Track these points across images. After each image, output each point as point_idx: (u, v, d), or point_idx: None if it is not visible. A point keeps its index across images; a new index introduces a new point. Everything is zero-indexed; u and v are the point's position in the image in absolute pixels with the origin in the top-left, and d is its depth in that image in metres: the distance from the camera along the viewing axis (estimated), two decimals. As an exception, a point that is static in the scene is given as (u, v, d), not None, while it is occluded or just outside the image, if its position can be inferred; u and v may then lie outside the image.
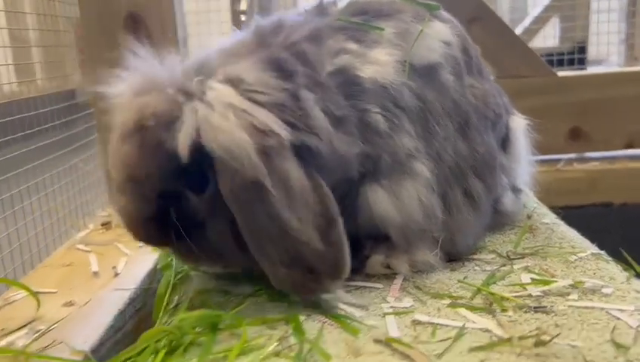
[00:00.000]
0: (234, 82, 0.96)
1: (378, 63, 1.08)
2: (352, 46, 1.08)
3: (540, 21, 3.50)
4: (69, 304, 1.19)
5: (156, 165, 0.96)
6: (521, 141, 1.34)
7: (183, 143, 0.92)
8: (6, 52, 1.64)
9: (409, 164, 1.06)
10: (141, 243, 1.13)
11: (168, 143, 0.94)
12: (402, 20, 1.14)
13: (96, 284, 1.30)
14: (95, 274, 1.36)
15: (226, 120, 0.92)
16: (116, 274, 1.33)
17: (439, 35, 1.15)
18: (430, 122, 1.09)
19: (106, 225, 1.70)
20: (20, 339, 1.03)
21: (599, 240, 1.24)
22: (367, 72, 1.06)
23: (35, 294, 1.15)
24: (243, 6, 2.15)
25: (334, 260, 0.95)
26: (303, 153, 0.96)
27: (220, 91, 0.95)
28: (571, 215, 1.52)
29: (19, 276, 1.41)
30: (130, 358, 0.86)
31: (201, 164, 0.95)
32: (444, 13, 1.23)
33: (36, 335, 1.05)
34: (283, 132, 0.94)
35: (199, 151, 0.93)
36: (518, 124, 1.36)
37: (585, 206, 2.17)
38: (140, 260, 1.41)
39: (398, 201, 1.05)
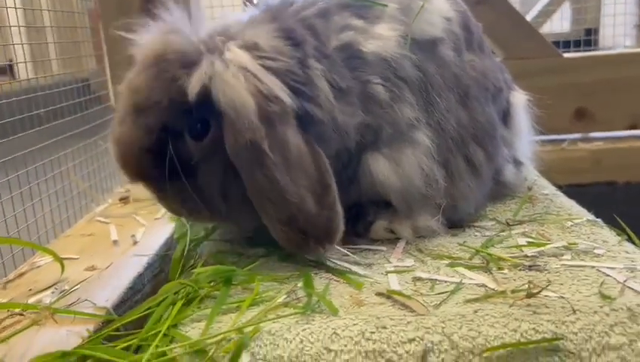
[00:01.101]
0: (250, 47, 1.03)
1: (381, 38, 1.13)
2: (357, 22, 1.14)
3: (553, 4, 3.52)
4: (91, 268, 1.26)
5: (167, 97, 1.01)
6: (522, 116, 1.39)
7: (194, 85, 0.98)
8: (22, 38, 1.71)
9: (410, 133, 1.12)
10: (130, 180, 1.11)
11: (182, 81, 0.99)
12: None
13: (116, 251, 1.37)
14: (115, 242, 1.43)
15: (237, 80, 0.98)
16: (135, 243, 1.41)
17: (440, 11, 1.20)
18: (431, 93, 1.14)
19: (124, 199, 1.77)
20: (46, 298, 1.10)
21: (603, 218, 1.27)
22: (369, 46, 1.12)
23: (60, 258, 1.22)
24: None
25: (327, 225, 1.02)
26: (304, 121, 1.03)
27: (237, 53, 1.01)
28: (575, 193, 1.56)
29: (42, 244, 1.48)
30: (150, 308, 0.93)
31: (205, 113, 1.01)
32: (446, -10, 1.27)
33: (61, 294, 1.12)
34: (287, 99, 1.00)
35: (207, 100, 0.99)
36: (519, 99, 1.41)
37: (589, 184, 2.21)
38: (157, 230, 1.48)
39: (398, 168, 1.11)
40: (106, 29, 1.93)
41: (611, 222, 1.24)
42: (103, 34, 1.94)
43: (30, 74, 1.75)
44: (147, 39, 1.08)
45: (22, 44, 1.62)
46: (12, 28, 1.60)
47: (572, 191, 1.56)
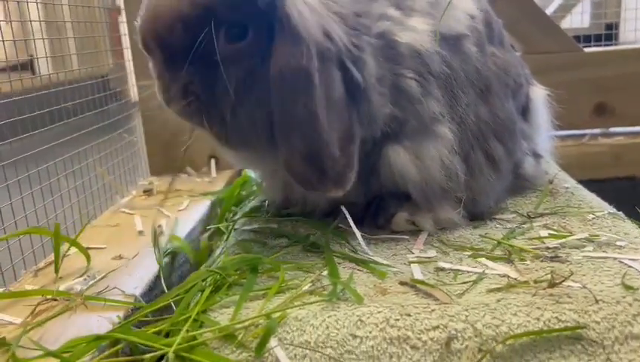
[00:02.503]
0: None
1: (415, 31, 1.14)
2: (394, 12, 1.15)
3: (571, 2, 3.49)
4: (118, 257, 1.29)
5: None
6: (541, 110, 1.40)
7: None
8: (42, 35, 1.73)
9: (433, 126, 1.13)
10: (147, 47, 1.04)
11: None
12: None
13: (141, 241, 1.40)
14: (140, 232, 1.46)
15: (309, 7, 1.00)
16: (161, 233, 1.44)
17: (465, 9, 1.21)
18: (455, 88, 1.15)
19: (148, 192, 1.80)
20: (77, 285, 1.13)
21: (623, 212, 1.27)
22: (404, 38, 1.13)
23: (85, 249, 1.25)
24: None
25: (343, 170, 1.03)
26: (347, 78, 1.04)
27: None
28: (596, 188, 1.56)
29: (69, 236, 1.52)
30: (178, 295, 0.96)
31: (251, 17, 1.00)
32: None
33: (92, 282, 1.15)
34: (343, 43, 1.02)
35: (259, 8, 0.98)
36: (539, 94, 1.41)
37: (609, 179, 2.20)
38: (182, 221, 1.51)
39: (418, 161, 1.12)
40: (130, 22, 1.95)
41: (632, 217, 1.23)
42: (128, 28, 1.97)
43: (50, 70, 1.78)
44: None
45: (42, 39, 1.65)
46: (33, 24, 1.63)
47: (592, 186, 1.56)
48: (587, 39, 2.85)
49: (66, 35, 1.88)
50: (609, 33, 2.98)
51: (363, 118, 1.08)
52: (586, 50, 2.31)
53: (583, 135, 2.32)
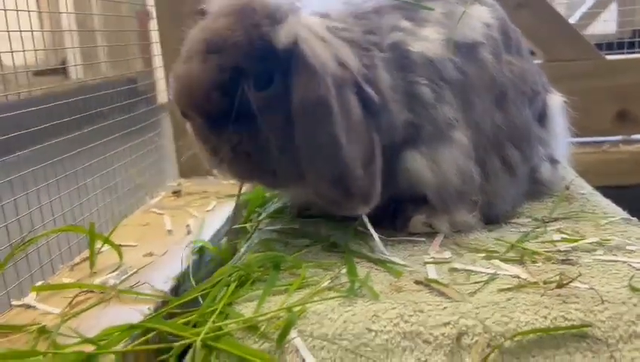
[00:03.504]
0: (323, 15, 1.12)
1: (427, 40, 1.19)
2: (406, 24, 1.20)
3: (599, 6, 3.49)
4: (149, 254, 1.37)
5: (247, 40, 1.05)
6: (558, 117, 1.43)
7: (284, 36, 1.05)
8: (73, 39, 1.81)
9: (448, 132, 1.18)
10: (187, 115, 1.11)
11: (265, 29, 1.06)
12: (448, 2, 1.25)
13: (171, 240, 1.47)
14: (169, 231, 1.53)
15: (321, 41, 1.07)
16: (189, 232, 1.51)
17: (480, 17, 1.26)
18: (470, 95, 1.20)
19: (177, 193, 1.88)
20: (110, 279, 1.21)
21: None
22: (417, 47, 1.18)
23: (117, 246, 1.32)
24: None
25: (368, 189, 1.09)
26: (363, 98, 1.10)
27: (313, 19, 1.10)
28: (615, 195, 1.59)
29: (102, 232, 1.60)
30: (205, 289, 1.02)
31: (272, 65, 1.08)
32: (487, -3, 1.33)
33: (125, 277, 1.23)
34: (355, 69, 1.09)
35: (277, 53, 1.06)
36: (556, 101, 1.45)
37: (630, 186, 2.21)
38: (209, 221, 1.58)
39: (434, 165, 1.17)
40: (161, 29, 2.03)
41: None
42: (160, 37, 2.04)
43: (81, 75, 1.87)
44: None
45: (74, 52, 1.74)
46: (65, 31, 1.72)
47: (612, 192, 1.58)
48: (611, 46, 2.86)
49: (96, 43, 1.97)
50: (633, 41, 2.97)
51: (383, 128, 1.13)
52: (608, 57, 2.32)
53: (604, 142, 2.33)
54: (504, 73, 1.26)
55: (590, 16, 3.43)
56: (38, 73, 1.88)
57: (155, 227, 1.59)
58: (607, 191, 1.57)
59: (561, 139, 1.48)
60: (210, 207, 1.71)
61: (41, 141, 1.49)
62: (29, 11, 1.44)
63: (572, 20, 3.29)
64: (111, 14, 2.02)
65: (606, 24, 3.52)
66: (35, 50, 1.53)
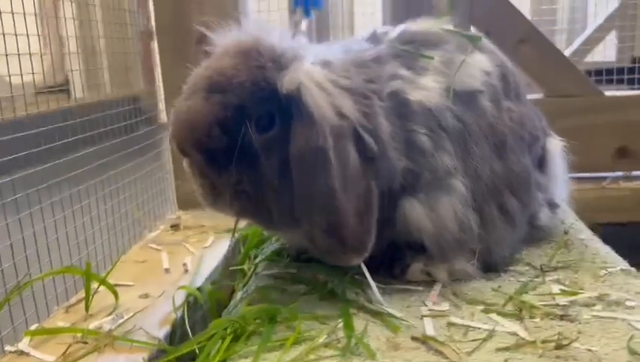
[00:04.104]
0: (324, 64, 1.13)
1: (426, 89, 1.20)
2: (405, 72, 1.21)
3: (598, 35, 3.51)
4: (145, 296, 1.36)
5: (251, 81, 1.07)
6: (558, 161, 1.43)
7: (288, 82, 1.07)
8: (79, 60, 1.82)
9: (447, 180, 1.18)
10: (186, 153, 1.10)
11: (270, 72, 1.08)
12: (447, 50, 1.25)
13: (168, 279, 1.46)
14: (167, 270, 1.52)
15: (322, 90, 1.07)
16: (186, 271, 1.50)
17: (480, 65, 1.26)
18: (469, 143, 1.20)
19: (175, 226, 1.87)
20: (106, 324, 1.19)
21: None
22: (415, 95, 1.19)
23: (114, 288, 1.31)
24: (303, 27, 2.31)
25: (362, 239, 1.09)
26: (361, 147, 1.10)
27: (314, 68, 1.11)
28: (615, 233, 1.58)
29: (100, 271, 1.59)
30: (200, 342, 1.01)
31: (275, 107, 1.09)
32: (486, 44, 1.33)
33: (121, 321, 1.21)
34: (354, 119, 1.09)
35: (279, 97, 1.07)
36: (555, 145, 1.44)
37: (630, 223, 2.21)
38: (206, 259, 1.57)
39: (432, 213, 1.17)
40: (161, 49, 2.03)
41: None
42: (160, 64, 2.04)
43: (85, 93, 1.87)
44: (233, 36, 1.16)
45: (79, 70, 1.74)
46: (70, 48, 1.73)
47: (612, 230, 1.57)
48: (610, 72, 2.85)
49: (99, 63, 1.97)
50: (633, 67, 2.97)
51: (381, 175, 1.13)
52: (607, 93, 2.33)
53: (604, 178, 2.33)
54: (503, 121, 1.26)
55: (589, 43, 3.45)
56: (40, 92, 1.88)
57: (152, 264, 1.57)
58: (608, 228, 1.57)
59: (560, 182, 1.47)
60: (207, 243, 1.70)
61: (37, 163, 1.48)
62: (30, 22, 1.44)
63: (571, 49, 3.31)
64: (116, 36, 2.03)
65: (605, 52, 3.54)
66: (31, 65, 1.53)
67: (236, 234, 1.70)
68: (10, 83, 1.44)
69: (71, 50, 1.74)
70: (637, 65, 2.75)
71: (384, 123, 1.15)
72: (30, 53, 1.44)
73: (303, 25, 2.41)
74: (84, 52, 1.92)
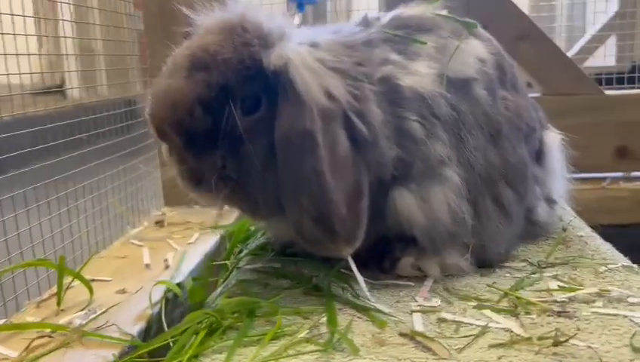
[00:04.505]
0: (312, 45, 1.07)
1: (418, 74, 1.14)
2: (396, 57, 1.15)
3: (597, 40, 3.46)
4: (122, 291, 1.29)
5: (237, 58, 1.01)
6: (556, 155, 1.37)
7: (275, 58, 1.01)
8: (76, 61, 1.78)
9: (439, 170, 1.11)
10: (164, 135, 1.03)
11: (256, 48, 1.02)
12: (441, 36, 1.20)
13: (147, 275, 1.40)
14: (147, 266, 1.46)
15: (311, 70, 1.02)
16: (167, 267, 1.43)
17: (475, 52, 1.20)
18: (462, 131, 1.14)
19: (160, 223, 1.81)
20: (76, 319, 1.13)
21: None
22: (407, 81, 1.13)
23: (88, 282, 1.25)
24: (296, 21, 2.25)
25: (352, 229, 1.02)
26: (351, 132, 1.04)
27: (303, 48, 1.05)
28: (615, 234, 1.52)
29: (78, 265, 1.52)
30: (174, 337, 0.94)
31: (260, 89, 1.03)
32: (482, 31, 1.27)
33: (92, 316, 1.15)
34: (344, 101, 1.03)
35: (266, 76, 1.01)
36: (553, 138, 1.39)
37: (630, 225, 2.14)
38: (190, 255, 1.50)
39: (424, 204, 1.11)
40: (152, 52, 1.98)
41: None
42: (149, 61, 1.99)
43: (81, 94, 1.83)
44: (217, 15, 1.09)
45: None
46: (66, 49, 1.69)
47: (611, 231, 1.51)
48: (611, 80, 2.81)
49: (97, 63, 1.93)
50: (632, 76, 2.93)
51: (372, 164, 1.07)
52: (607, 92, 2.27)
53: (604, 178, 2.27)
54: (498, 109, 1.20)
55: (588, 50, 3.41)
56: (35, 93, 1.84)
57: (132, 260, 1.51)
58: (607, 229, 1.51)
59: (558, 177, 1.41)
60: (192, 239, 1.64)
61: (33, 162, 1.45)
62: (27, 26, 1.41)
63: (570, 53, 3.27)
64: (112, 38, 1.99)
65: (605, 57, 3.50)
66: (29, 68, 1.50)
67: (222, 230, 1.65)
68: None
69: (68, 51, 1.70)
70: (637, 74, 2.71)
71: (375, 109, 1.09)
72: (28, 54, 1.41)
73: (297, 19, 2.36)
74: (81, 53, 1.89)
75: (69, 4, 1.67)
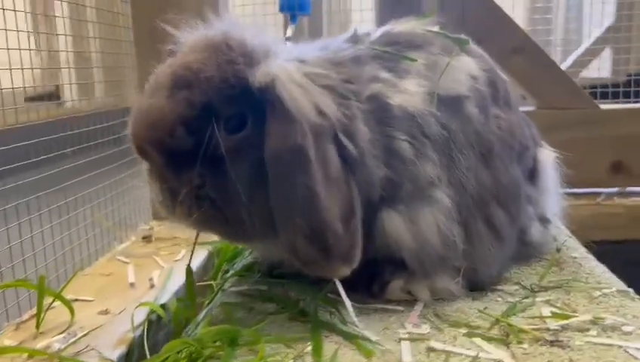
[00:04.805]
0: (300, 61, 1.05)
1: (408, 93, 1.11)
2: (385, 75, 1.13)
3: (591, 53, 3.45)
4: (105, 312, 1.26)
5: (220, 76, 0.98)
6: (550, 173, 1.34)
7: (261, 75, 0.98)
8: (70, 70, 1.76)
9: (429, 191, 1.08)
10: (146, 154, 1.00)
11: (240, 66, 0.99)
12: (431, 52, 1.17)
13: (132, 295, 1.36)
14: (132, 285, 1.42)
15: (299, 86, 0.99)
16: (152, 286, 1.40)
17: (466, 69, 1.17)
18: (453, 151, 1.11)
19: (147, 238, 1.77)
20: (56, 343, 1.09)
21: (638, 279, 1.21)
22: (396, 100, 1.10)
23: (69, 303, 1.21)
24: (289, 33, 2.23)
25: (349, 247, 0.99)
26: (342, 151, 1.02)
27: (290, 65, 1.02)
28: (610, 251, 1.49)
29: (62, 282, 1.48)
30: (153, 366, 0.91)
31: (246, 106, 1.00)
32: (474, 48, 1.25)
33: (72, 340, 1.11)
34: (335, 118, 1.01)
35: (251, 94, 0.99)
36: (547, 156, 1.36)
37: (625, 241, 2.12)
38: (176, 272, 1.47)
39: (413, 227, 1.08)
40: (141, 67, 1.95)
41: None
42: (138, 67, 1.96)
43: (75, 104, 1.81)
44: (201, 32, 1.07)
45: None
46: (62, 57, 1.67)
47: (606, 248, 1.49)
48: (605, 94, 2.79)
49: (91, 71, 1.90)
50: (629, 88, 2.91)
51: (360, 184, 1.04)
52: (602, 106, 2.25)
53: (599, 194, 2.24)
54: (491, 128, 1.18)
55: (582, 63, 3.40)
56: (29, 99, 1.82)
57: (117, 278, 1.47)
58: (602, 246, 1.48)
59: (552, 196, 1.38)
60: (179, 256, 1.60)
61: (19, 175, 1.42)
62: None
63: (565, 65, 3.25)
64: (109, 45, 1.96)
65: (600, 69, 3.49)
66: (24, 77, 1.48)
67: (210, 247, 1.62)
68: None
69: (63, 61, 1.68)
70: (632, 77, 2.69)
71: (363, 128, 1.06)
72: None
73: (289, 31, 2.33)
74: (77, 62, 1.87)
75: (64, 18, 1.65)
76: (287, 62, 1.04)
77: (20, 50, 1.43)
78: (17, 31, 1.44)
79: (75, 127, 1.71)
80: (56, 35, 1.66)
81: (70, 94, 1.91)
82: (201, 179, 1.00)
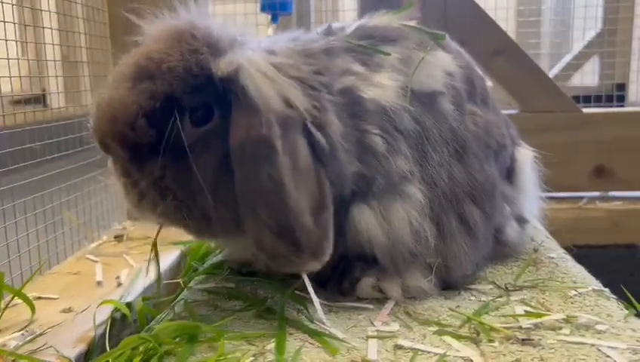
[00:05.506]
0: (268, 51, 1.02)
1: (381, 87, 1.09)
2: (358, 68, 1.10)
3: (581, 58, 3.45)
4: (68, 310, 1.22)
5: (183, 66, 0.95)
6: (528, 172, 1.32)
7: (225, 65, 0.95)
8: (57, 73, 1.73)
9: (402, 186, 1.06)
10: (108, 148, 0.98)
11: (204, 56, 0.96)
12: (406, 47, 1.15)
13: (98, 293, 1.32)
14: (99, 283, 1.38)
15: (265, 76, 0.96)
16: (119, 285, 1.36)
17: (442, 65, 1.15)
18: (426, 147, 1.08)
19: (119, 237, 1.73)
20: (12, 341, 1.05)
21: (621, 282, 1.18)
22: (369, 93, 1.07)
23: (30, 300, 1.17)
24: (269, 32, 2.20)
25: (319, 242, 0.96)
26: (312, 144, 0.98)
27: (258, 55, 0.99)
28: (592, 255, 1.47)
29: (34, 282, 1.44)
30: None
31: (211, 99, 0.97)
32: (451, 44, 1.23)
33: (30, 338, 1.07)
34: (304, 110, 0.97)
35: (216, 85, 0.96)
36: (525, 155, 1.34)
37: (607, 246, 2.09)
38: (144, 272, 1.42)
39: (385, 223, 1.05)
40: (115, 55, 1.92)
41: (629, 288, 1.13)
42: (113, 63, 1.92)
43: (62, 105, 1.78)
44: (166, 22, 1.04)
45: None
46: (48, 62, 1.66)
47: (588, 252, 1.47)
48: (597, 99, 2.79)
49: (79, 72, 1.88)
50: (619, 94, 2.92)
51: (331, 179, 1.01)
52: (585, 110, 2.23)
53: (581, 198, 2.22)
54: (466, 125, 1.15)
55: (573, 67, 3.39)
56: (16, 102, 1.78)
57: (84, 277, 1.43)
58: (583, 250, 1.46)
59: (530, 196, 1.36)
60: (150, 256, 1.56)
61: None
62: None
63: (553, 72, 3.25)
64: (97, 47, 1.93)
65: (587, 77, 3.49)
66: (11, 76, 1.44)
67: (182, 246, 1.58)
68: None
69: (49, 63, 1.65)
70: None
71: (335, 121, 1.03)
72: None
73: (270, 30, 2.30)
74: (64, 64, 1.84)
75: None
76: (253, 52, 1.01)
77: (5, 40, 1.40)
78: (4, 22, 1.41)
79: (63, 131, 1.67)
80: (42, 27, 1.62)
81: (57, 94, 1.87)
82: (162, 171, 0.97)
